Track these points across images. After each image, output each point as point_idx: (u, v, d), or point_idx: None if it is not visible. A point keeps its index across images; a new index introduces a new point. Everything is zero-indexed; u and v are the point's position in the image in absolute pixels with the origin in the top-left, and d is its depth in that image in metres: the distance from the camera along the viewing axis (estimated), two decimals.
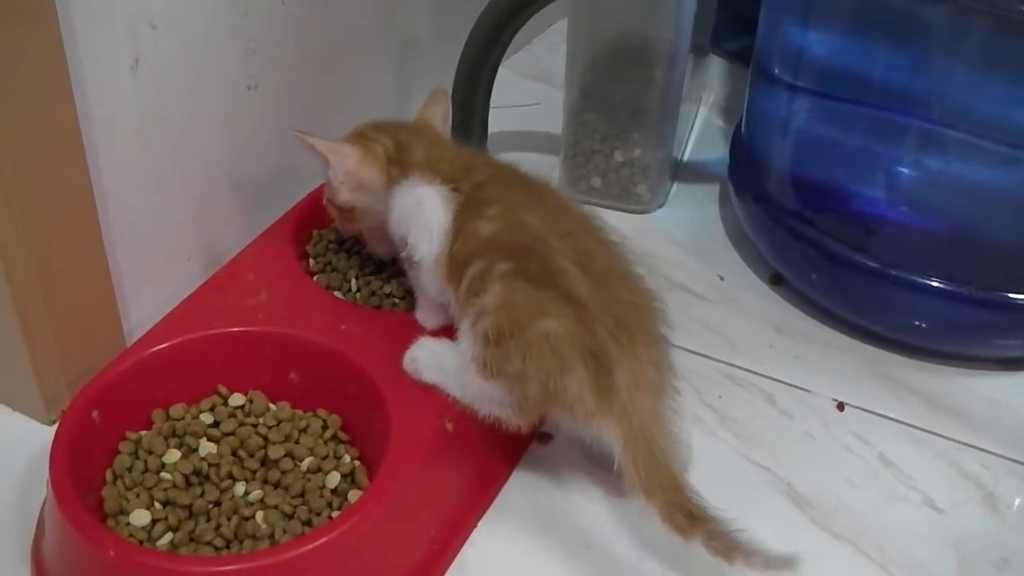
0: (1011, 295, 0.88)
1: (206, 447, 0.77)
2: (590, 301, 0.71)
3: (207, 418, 0.79)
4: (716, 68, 1.33)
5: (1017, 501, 0.82)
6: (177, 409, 0.79)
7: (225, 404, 0.80)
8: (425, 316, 0.81)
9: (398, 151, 0.82)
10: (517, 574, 0.75)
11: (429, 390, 0.76)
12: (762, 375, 0.91)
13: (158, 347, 0.78)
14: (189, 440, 0.77)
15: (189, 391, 0.80)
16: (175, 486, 0.74)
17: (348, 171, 0.81)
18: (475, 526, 0.77)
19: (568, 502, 0.80)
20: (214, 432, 0.78)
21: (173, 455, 0.76)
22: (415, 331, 0.80)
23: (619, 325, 0.72)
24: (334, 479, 0.75)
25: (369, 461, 0.77)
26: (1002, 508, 0.81)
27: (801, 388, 0.90)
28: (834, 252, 0.92)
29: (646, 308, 0.75)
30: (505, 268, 0.72)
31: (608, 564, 0.75)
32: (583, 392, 0.70)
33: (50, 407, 0.82)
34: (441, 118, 0.87)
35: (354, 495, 0.75)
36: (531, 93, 1.23)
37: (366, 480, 0.75)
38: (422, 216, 0.77)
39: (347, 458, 0.77)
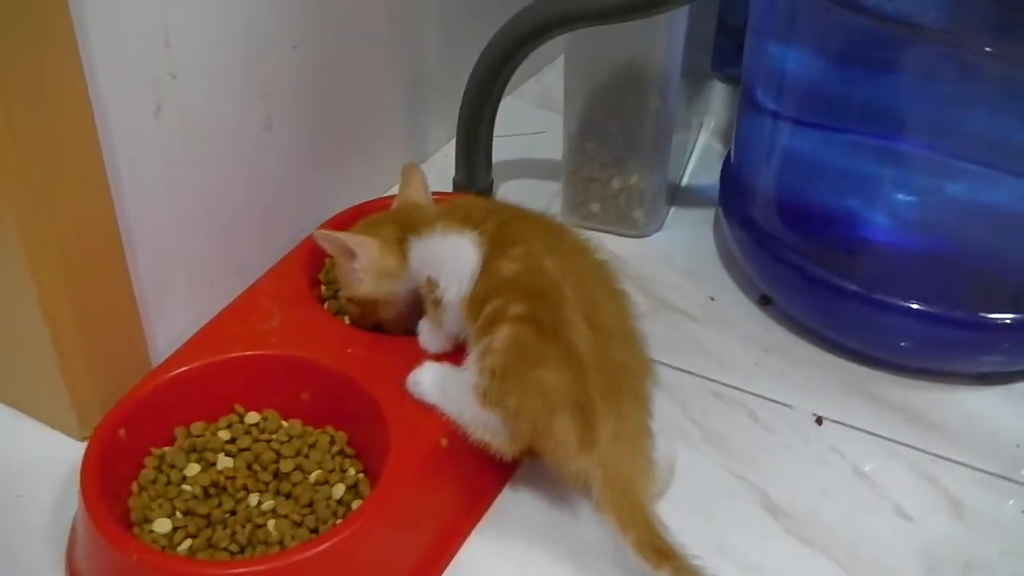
0: (987, 315, 0.93)
1: (224, 461, 0.84)
2: (588, 359, 0.77)
3: (225, 435, 0.86)
4: (718, 94, 1.38)
5: (983, 509, 0.86)
6: (198, 426, 0.86)
7: (241, 422, 0.87)
8: (429, 342, 0.87)
9: (405, 227, 0.88)
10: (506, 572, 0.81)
11: (427, 409, 0.82)
12: (746, 391, 0.96)
13: (180, 370, 0.85)
14: (208, 455, 0.84)
15: (209, 410, 0.87)
16: (195, 497, 0.81)
17: (372, 260, 0.88)
18: (468, 535, 0.83)
19: (558, 516, 0.85)
20: (231, 448, 0.85)
21: (193, 469, 0.83)
22: (417, 355, 0.86)
23: (610, 384, 0.78)
24: (339, 490, 0.82)
25: (372, 474, 0.84)
26: (968, 516, 0.85)
27: (783, 404, 0.95)
28: (816, 276, 0.97)
29: (639, 369, 0.81)
30: (518, 311, 0.78)
31: (592, 573, 0.81)
32: (567, 437, 0.77)
33: (83, 425, 0.89)
34: (421, 191, 0.94)
35: (358, 505, 0.81)
36: (540, 121, 1.29)
37: (369, 492, 0.82)
38: (457, 263, 0.83)
39: (352, 471, 0.84)
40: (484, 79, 1.03)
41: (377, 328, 0.92)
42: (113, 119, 0.82)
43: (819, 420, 0.94)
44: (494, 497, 0.86)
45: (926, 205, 0.95)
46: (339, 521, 0.80)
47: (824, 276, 0.97)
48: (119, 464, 0.81)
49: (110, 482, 0.79)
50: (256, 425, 0.87)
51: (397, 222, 0.90)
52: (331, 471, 0.84)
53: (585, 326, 0.78)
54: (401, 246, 0.88)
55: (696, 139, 1.29)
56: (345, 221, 0.98)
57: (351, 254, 0.88)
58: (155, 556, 0.75)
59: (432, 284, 0.85)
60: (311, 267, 0.98)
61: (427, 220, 0.87)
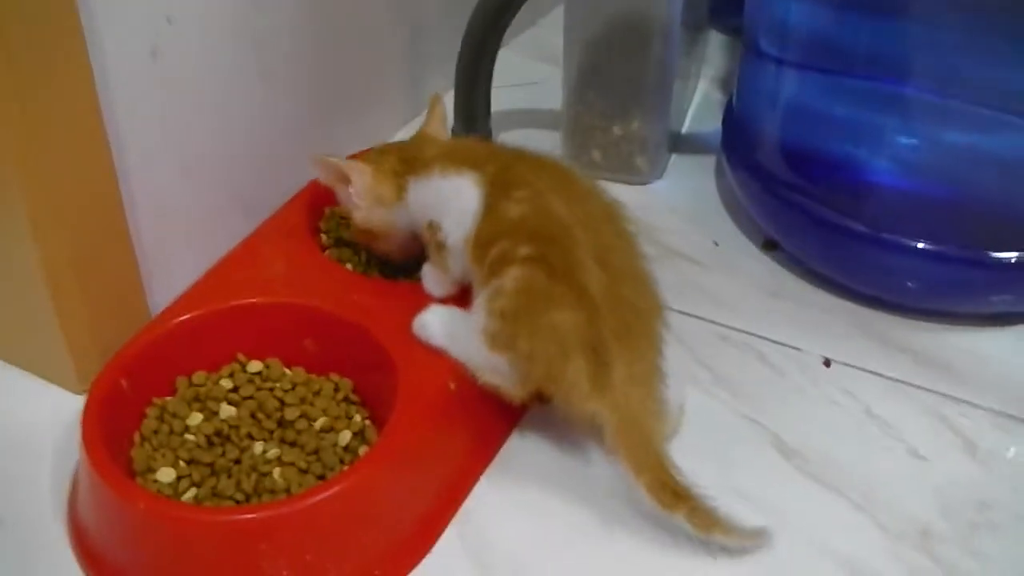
0: (994, 253, 0.92)
1: (226, 410, 0.82)
2: (601, 300, 0.76)
3: (227, 383, 0.84)
4: (715, 44, 1.36)
5: (997, 449, 0.85)
6: (199, 376, 0.85)
7: (244, 370, 0.85)
8: (434, 286, 0.86)
9: (403, 163, 0.87)
10: (519, 525, 0.79)
11: (435, 353, 0.81)
12: (754, 335, 0.95)
13: (181, 319, 0.84)
14: (211, 404, 0.83)
15: (210, 359, 0.85)
16: (198, 446, 0.80)
17: (366, 187, 0.87)
18: (477, 481, 0.82)
19: (568, 460, 0.84)
20: (234, 396, 0.83)
21: (196, 418, 0.82)
22: (422, 299, 0.85)
23: (622, 325, 0.76)
24: (345, 437, 0.81)
25: (379, 422, 0.82)
26: (982, 456, 0.85)
27: (791, 347, 0.94)
28: (823, 217, 0.96)
29: (651, 311, 0.79)
30: (527, 252, 0.77)
31: (606, 519, 0.79)
32: (580, 380, 0.75)
33: (81, 378, 0.87)
34: (440, 124, 0.93)
35: (365, 451, 0.80)
36: (536, 73, 1.28)
37: (376, 438, 0.81)
38: (458, 204, 0.81)
39: (358, 418, 0.83)
40: (483, 25, 1.01)
41: (387, 260, 0.92)
42: (110, 62, 0.80)
43: (827, 362, 0.93)
44: (502, 442, 0.85)
45: (932, 148, 0.94)
46: (347, 468, 0.79)
47: (830, 217, 0.95)
48: (121, 415, 0.79)
49: (112, 433, 0.77)
50: (259, 373, 0.85)
51: (400, 156, 0.88)
52: (336, 418, 0.82)
53: (597, 267, 0.77)
54: (398, 179, 0.87)
55: (695, 88, 1.28)
56: None
57: (346, 179, 0.87)
58: (161, 504, 0.73)
59: (434, 227, 0.83)
60: (312, 215, 0.96)
61: (426, 161, 0.86)
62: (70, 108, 0.78)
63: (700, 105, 1.27)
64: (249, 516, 0.71)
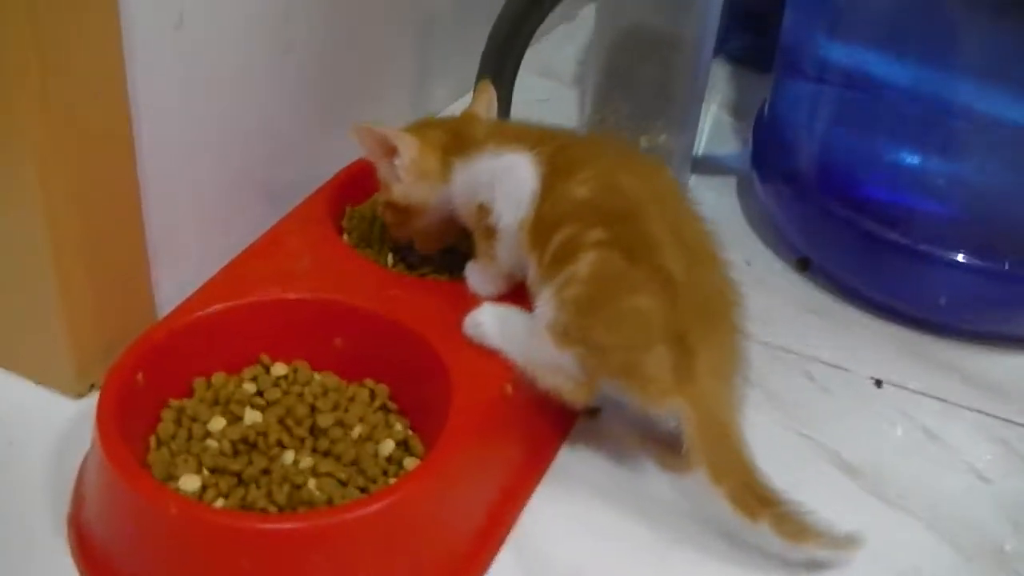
0: None
1: (252, 415, 0.74)
2: (682, 281, 0.70)
3: (250, 387, 0.76)
4: (719, 70, 1.33)
5: None
6: (219, 378, 0.76)
7: (267, 373, 0.77)
8: (483, 284, 0.79)
9: (452, 139, 0.81)
10: (577, 543, 0.73)
11: (488, 355, 0.74)
12: (798, 354, 0.90)
13: (200, 313, 0.75)
14: (234, 408, 0.74)
15: (230, 359, 0.77)
16: (223, 453, 0.71)
17: (412, 159, 0.80)
18: (531, 494, 0.75)
19: (623, 472, 0.78)
20: (258, 401, 0.75)
21: (219, 422, 0.73)
22: (466, 298, 0.78)
23: (706, 309, 0.71)
24: (388, 446, 0.73)
25: (421, 431, 0.75)
26: None
27: (839, 367, 0.90)
28: (863, 230, 0.92)
29: (730, 296, 0.74)
30: (600, 236, 0.71)
31: (668, 535, 0.73)
32: (662, 371, 0.69)
33: (80, 377, 0.78)
34: (487, 108, 0.86)
35: (410, 463, 0.72)
36: (542, 91, 1.23)
37: (421, 448, 0.73)
38: (512, 182, 0.75)
39: (399, 427, 0.75)
40: (512, 19, 0.95)
41: (410, 249, 0.86)
42: (136, 27, 0.73)
43: (879, 383, 0.88)
44: (555, 453, 0.78)
45: (975, 168, 0.91)
46: (391, 480, 0.71)
47: (871, 230, 0.92)
48: (135, 414, 0.71)
49: (126, 434, 0.68)
50: (284, 377, 0.77)
51: (448, 131, 0.82)
52: (375, 427, 0.74)
53: (675, 247, 0.71)
54: (446, 156, 0.80)
55: (706, 110, 1.24)
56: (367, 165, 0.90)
57: (392, 150, 0.80)
58: (197, 510, 0.64)
59: (484, 209, 0.76)
60: (336, 209, 0.88)
61: (477, 140, 0.79)
62: (96, 77, 0.71)
63: (712, 129, 1.23)
64: (300, 524, 0.63)
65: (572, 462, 0.78)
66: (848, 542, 0.69)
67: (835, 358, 0.90)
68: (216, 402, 0.75)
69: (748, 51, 1.27)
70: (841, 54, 0.94)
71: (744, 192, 1.09)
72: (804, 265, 1.00)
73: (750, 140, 1.07)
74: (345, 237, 0.88)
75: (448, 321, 0.75)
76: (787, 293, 0.98)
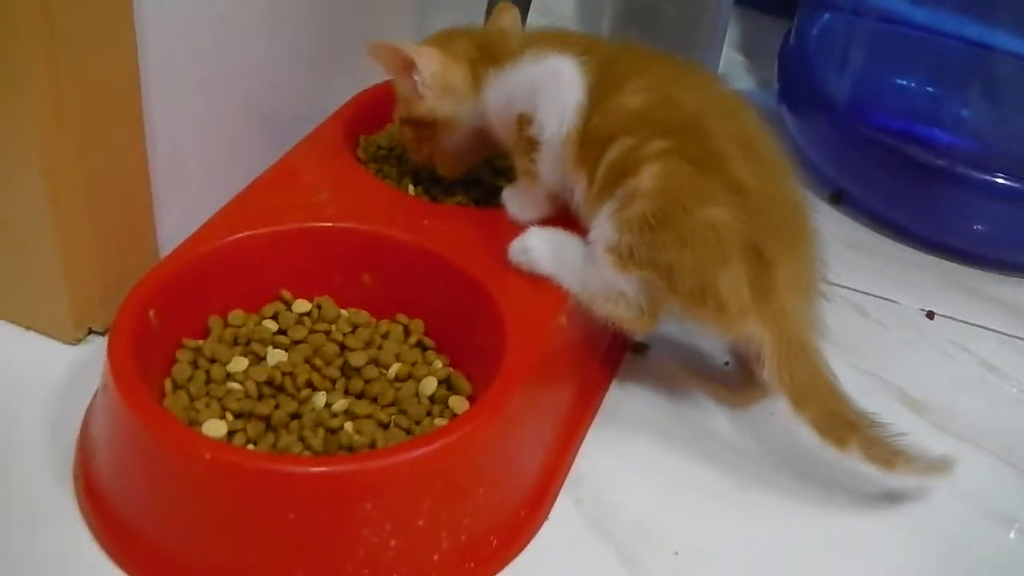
0: None
1: (275, 355, 0.67)
2: (755, 191, 0.64)
3: (271, 325, 0.69)
4: None
5: None
6: (236, 316, 0.69)
7: (289, 310, 0.70)
8: (523, 208, 0.72)
9: (482, 49, 0.74)
10: (638, 488, 0.66)
11: (537, 283, 0.67)
12: (846, 287, 0.85)
13: (214, 244, 0.67)
14: (256, 347, 0.67)
15: (248, 296, 0.69)
16: (248, 396, 0.64)
17: (434, 73, 0.73)
18: (585, 436, 0.69)
19: (678, 409, 0.72)
20: (282, 339, 0.68)
21: (240, 363, 0.66)
22: (505, 225, 0.71)
23: (783, 220, 0.65)
24: (430, 385, 0.66)
25: (462, 367, 0.68)
26: None
27: (888, 299, 0.84)
28: (903, 156, 0.88)
29: (804, 203, 0.68)
30: (662, 146, 0.64)
31: (733, 475, 0.68)
32: (739, 289, 0.63)
33: (77, 323, 0.70)
34: (513, 23, 0.79)
35: (456, 402, 0.65)
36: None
37: (467, 386, 0.66)
38: (557, 88, 0.68)
39: (438, 364, 0.68)
40: None
41: (431, 180, 0.79)
42: None
43: (931, 315, 0.83)
44: (606, 391, 0.72)
45: (1008, 104, 0.88)
46: (437, 420, 0.64)
47: (909, 154, 0.88)
48: (149, 356, 0.63)
49: (141, 376, 0.60)
50: (307, 314, 0.70)
51: (475, 41, 0.74)
52: (414, 364, 0.67)
53: (743, 156, 0.65)
54: (475, 67, 0.73)
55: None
56: (380, 94, 0.83)
57: (410, 66, 0.73)
58: (234, 454, 0.57)
59: (525, 119, 0.69)
60: (350, 138, 0.81)
61: (513, 49, 0.72)
62: (101, 8, 0.63)
63: (724, 68, 1.16)
64: (353, 467, 0.56)
65: (623, 400, 0.72)
66: (941, 465, 0.64)
67: (884, 291, 0.85)
68: (235, 342, 0.67)
69: None
70: None
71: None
72: (837, 199, 0.95)
73: (767, 80, 1.02)
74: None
75: (490, 250, 0.68)
76: (824, 228, 0.90)
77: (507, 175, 0.81)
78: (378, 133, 0.83)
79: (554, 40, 0.71)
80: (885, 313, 0.83)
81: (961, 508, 0.67)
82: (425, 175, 0.80)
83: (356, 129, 0.82)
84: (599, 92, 0.67)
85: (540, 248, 0.67)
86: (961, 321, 0.83)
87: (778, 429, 0.69)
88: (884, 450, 0.63)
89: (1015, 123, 0.88)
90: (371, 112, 0.83)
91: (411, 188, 0.79)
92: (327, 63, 0.89)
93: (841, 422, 0.63)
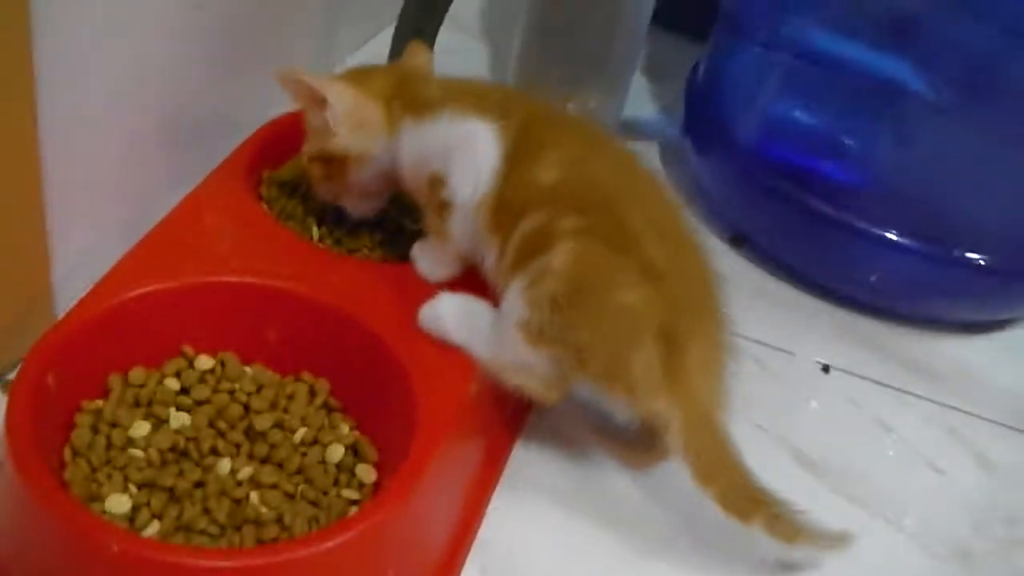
0: (967, 253, 0.87)
1: (178, 418, 0.65)
2: (668, 272, 0.64)
3: (173, 384, 0.67)
4: None
5: (1009, 462, 0.81)
6: (137, 374, 0.66)
7: (192, 367, 0.68)
8: (432, 267, 0.71)
9: (398, 87, 0.72)
10: (543, 553, 0.67)
11: (447, 351, 0.66)
12: (745, 337, 0.86)
13: (113, 300, 0.65)
14: (158, 410, 0.65)
15: (149, 352, 0.67)
16: (151, 464, 0.62)
17: (347, 110, 0.71)
18: (489, 502, 0.69)
19: (581, 472, 0.73)
20: (184, 400, 0.66)
21: (142, 427, 0.64)
22: (414, 282, 0.70)
23: (696, 301, 0.65)
24: (337, 452, 0.65)
25: (369, 432, 0.67)
26: (998, 469, 0.80)
27: (784, 351, 0.86)
28: (806, 206, 0.89)
29: (714, 283, 0.68)
30: (575, 224, 0.64)
31: (636, 542, 0.69)
32: (650, 370, 0.63)
33: None
34: (425, 63, 0.78)
35: (363, 471, 0.64)
36: (445, 40, 1.14)
37: (373, 452, 0.65)
38: (472, 153, 0.67)
39: (345, 428, 0.67)
40: None
41: (338, 220, 0.77)
42: None
43: (826, 368, 0.85)
44: (509, 454, 0.72)
45: (917, 148, 0.89)
46: (344, 491, 0.63)
47: (811, 205, 0.89)
48: (49, 421, 0.60)
49: (43, 449, 0.58)
50: (211, 371, 0.68)
51: (392, 80, 0.73)
52: (320, 428, 0.66)
53: (655, 235, 0.65)
54: (390, 107, 0.71)
55: None
56: (284, 125, 0.80)
57: (321, 101, 0.71)
58: (143, 547, 0.55)
59: (438, 180, 0.68)
60: (254, 176, 0.78)
61: (431, 100, 0.70)
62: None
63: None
64: (266, 560, 0.54)
65: (526, 463, 0.72)
66: (838, 541, 0.65)
67: (781, 341, 0.87)
68: (137, 403, 0.65)
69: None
70: (793, 25, 0.89)
71: (669, 160, 1.04)
72: (740, 242, 0.96)
73: (673, 105, 1.02)
74: (264, 208, 0.78)
75: (399, 310, 0.67)
76: (724, 272, 0.93)
77: (414, 216, 0.80)
78: (283, 167, 0.81)
79: (473, 97, 0.70)
80: (782, 365, 0.85)
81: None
82: (330, 215, 0.78)
83: (260, 164, 0.79)
84: (515, 160, 0.67)
85: (451, 316, 0.67)
86: (856, 375, 0.85)
87: (681, 491, 0.69)
88: (786, 526, 0.64)
89: (917, 169, 0.89)
90: (275, 145, 0.80)
91: (315, 230, 0.77)
92: (234, 81, 0.86)
93: (745, 498, 0.64)
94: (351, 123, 0.71)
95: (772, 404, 0.81)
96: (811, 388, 0.84)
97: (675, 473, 0.71)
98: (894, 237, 0.87)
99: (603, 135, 0.71)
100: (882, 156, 0.90)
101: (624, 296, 0.63)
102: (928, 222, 0.88)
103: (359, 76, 0.74)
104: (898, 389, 0.85)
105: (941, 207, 0.89)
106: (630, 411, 0.66)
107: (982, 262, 0.87)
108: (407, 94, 0.72)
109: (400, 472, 0.59)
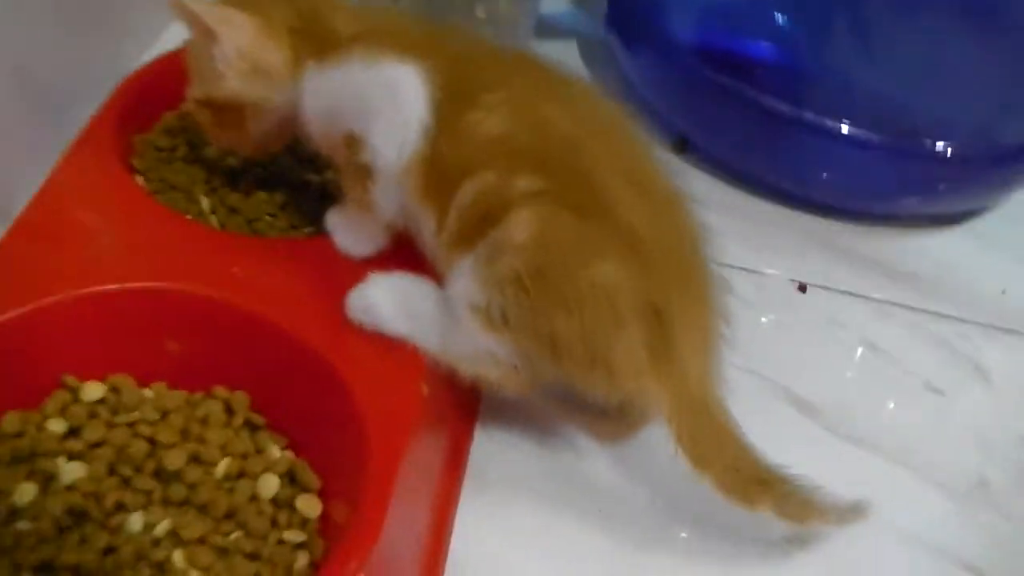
0: (925, 141, 0.78)
1: (71, 470, 0.53)
2: (648, 237, 0.53)
3: (58, 426, 0.54)
4: None
5: (1008, 371, 0.73)
6: (12, 420, 0.54)
7: (77, 400, 0.55)
8: (354, 241, 0.59)
9: (305, 20, 0.58)
10: (520, 558, 0.58)
11: (385, 345, 0.55)
12: None
13: None
14: (43, 463, 0.52)
15: (23, 390, 0.54)
16: (43, 540, 0.50)
17: (241, 49, 0.57)
18: (456, 508, 0.59)
19: (550, 458, 0.63)
20: (74, 445, 0.54)
21: (27, 492, 0.51)
22: (339, 262, 0.58)
23: (681, 267, 0.55)
24: (270, 484, 0.54)
25: (304, 451, 0.56)
26: (994, 379, 0.72)
27: (752, 270, 0.77)
28: (750, 99, 0.79)
29: (701, 240, 0.57)
30: (533, 186, 0.52)
31: (620, 533, 0.60)
32: (634, 353, 0.53)
33: None
34: None
35: (305, 503, 0.54)
36: None
37: (314, 479, 0.54)
38: (394, 109, 0.54)
39: (274, 450, 0.56)
40: None
41: (232, 179, 0.65)
42: None
43: (803, 287, 0.76)
44: (470, 448, 0.62)
45: (852, 27, 0.82)
46: (285, 534, 0.53)
47: (755, 97, 0.78)
48: None
49: None
50: (102, 402, 0.56)
51: (296, 9, 0.59)
52: (244, 456, 0.55)
53: (632, 192, 0.54)
54: (295, 42, 0.58)
55: None
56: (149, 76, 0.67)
57: (208, 34, 0.58)
58: None
59: (355, 141, 0.56)
60: (123, 141, 0.65)
61: (339, 35, 0.58)
62: None
63: None
64: None
65: (489, 454, 0.62)
66: (855, 512, 0.57)
67: (746, 260, 0.77)
68: (15, 458, 0.53)
69: None
70: None
71: (593, 60, 0.92)
72: (681, 147, 0.85)
73: None
74: (140, 180, 0.65)
75: (322, 299, 0.56)
76: None
77: (315, 165, 0.68)
78: (154, 127, 0.68)
79: (388, 31, 0.57)
80: (753, 288, 0.75)
81: (877, 531, 0.60)
82: (218, 179, 0.66)
83: (128, 127, 0.66)
84: (448, 108, 0.55)
85: (385, 303, 0.55)
86: (834, 290, 0.76)
87: (667, 467, 0.59)
88: (797, 506, 0.56)
89: (865, 51, 0.81)
90: (142, 102, 0.67)
91: (204, 200, 0.65)
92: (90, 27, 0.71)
93: (750, 481, 0.55)
94: (244, 65, 0.58)
95: (749, 337, 0.68)
96: (789, 311, 0.74)
97: (657, 446, 0.62)
98: (846, 129, 0.77)
99: (550, 68, 0.59)
100: (824, 35, 0.82)
101: (599, 271, 0.52)
102: (882, 110, 0.79)
103: (258, 4, 0.59)
104: (880, 300, 0.76)
105: (893, 93, 0.81)
106: (609, 396, 0.56)
107: (941, 150, 0.78)
108: (312, 28, 0.58)
109: (363, 506, 0.48)
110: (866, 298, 0.77)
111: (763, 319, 0.74)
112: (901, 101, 0.81)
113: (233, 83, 0.59)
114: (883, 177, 0.81)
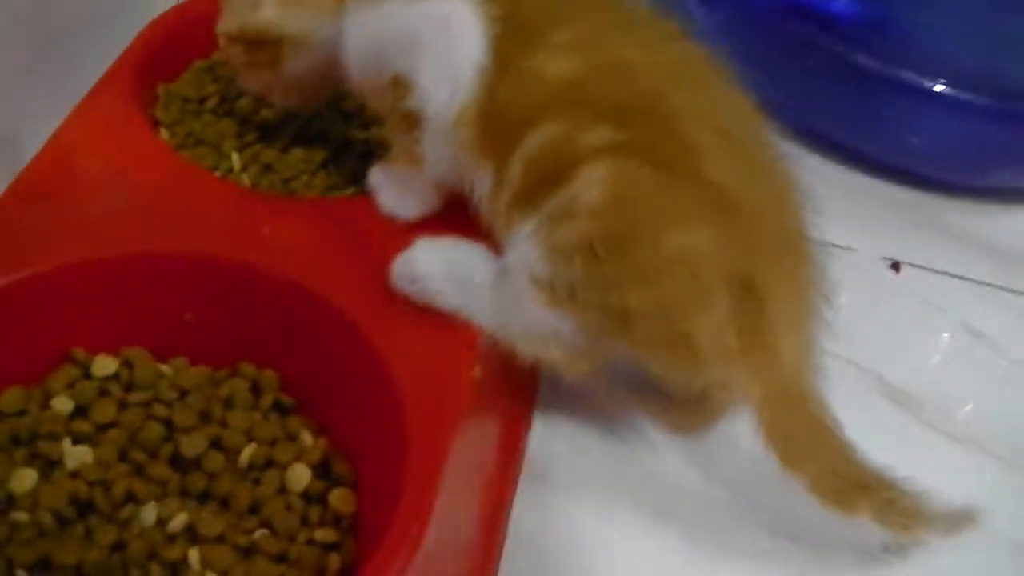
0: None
1: (76, 454, 0.47)
2: (741, 200, 0.46)
3: (64, 404, 0.48)
4: None
5: None
6: (12, 397, 0.48)
7: (87, 376, 0.50)
8: (400, 201, 0.53)
9: None
10: (587, 564, 0.51)
11: (434, 319, 0.49)
12: None
13: None
14: (45, 447, 0.47)
15: (26, 363, 0.49)
16: (43, 534, 0.44)
17: None
18: (511, 507, 0.52)
19: (616, 451, 0.56)
20: (82, 426, 0.48)
21: (26, 479, 0.46)
22: (383, 226, 0.52)
23: (777, 234, 0.48)
24: (301, 476, 0.48)
25: (337, 437, 0.50)
26: None
27: (841, 246, 0.69)
28: (839, 55, 0.72)
29: (801, 207, 0.50)
30: (608, 139, 0.46)
31: (696, 534, 0.53)
32: (721, 334, 0.47)
33: None
34: None
35: (339, 498, 0.47)
36: None
37: (349, 470, 0.48)
38: (446, 43, 0.48)
39: (307, 438, 0.49)
40: None
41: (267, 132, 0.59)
42: None
43: (896, 265, 0.69)
44: (527, 437, 0.55)
45: None
46: (316, 533, 0.46)
47: (839, 52, 0.72)
48: None
49: None
50: (114, 378, 0.50)
51: None
52: (273, 442, 0.49)
53: (722, 148, 0.47)
54: None
55: None
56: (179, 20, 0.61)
57: None
58: None
59: (402, 84, 0.50)
60: (146, 91, 0.59)
61: None
62: None
63: None
64: None
65: (548, 446, 0.55)
66: (965, 520, 0.50)
67: (833, 234, 0.68)
68: (15, 440, 0.47)
69: None
70: None
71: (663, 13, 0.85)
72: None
73: None
74: (164, 134, 0.59)
75: (362, 267, 0.49)
76: None
77: (359, 121, 0.61)
78: (182, 77, 0.61)
79: None
80: (843, 266, 0.67)
81: (981, 541, 0.52)
82: (252, 134, 0.59)
83: (152, 76, 0.60)
84: (508, 48, 0.48)
85: (434, 274, 0.49)
86: (929, 270, 0.69)
87: (744, 462, 0.54)
88: (900, 513, 0.49)
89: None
90: (169, 48, 0.61)
91: (235, 157, 0.58)
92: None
93: (848, 485, 0.48)
94: None
95: (842, 320, 0.63)
96: (882, 292, 0.67)
97: (738, 439, 0.55)
98: (941, 88, 0.70)
99: (630, 5, 0.52)
100: None
101: (683, 238, 0.45)
102: (983, 70, 0.71)
103: None
104: (979, 282, 0.69)
105: (996, 51, 0.72)
106: (689, 383, 0.49)
107: None
108: None
109: (404, 503, 0.42)
110: (965, 279, 0.69)
111: (855, 299, 0.66)
112: (1004, 60, 0.73)
113: (270, 12, 0.53)
114: (984, 144, 0.74)
